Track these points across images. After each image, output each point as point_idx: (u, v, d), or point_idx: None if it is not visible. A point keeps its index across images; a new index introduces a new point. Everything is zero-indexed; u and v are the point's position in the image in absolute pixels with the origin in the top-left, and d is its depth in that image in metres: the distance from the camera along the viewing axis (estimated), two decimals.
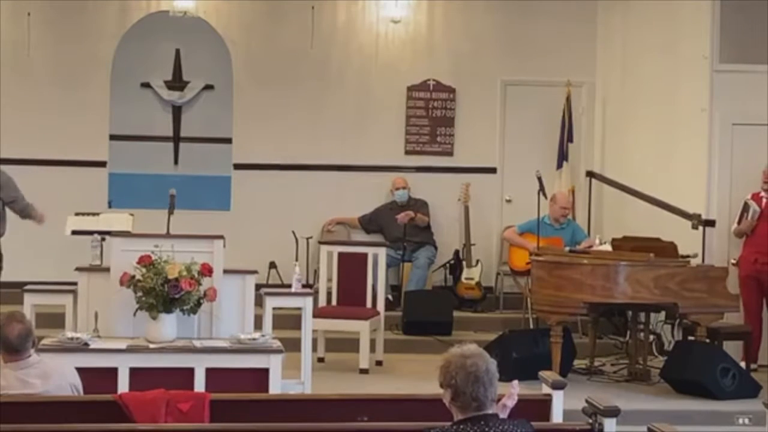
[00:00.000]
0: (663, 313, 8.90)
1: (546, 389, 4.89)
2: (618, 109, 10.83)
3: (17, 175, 8.72)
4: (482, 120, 11.16)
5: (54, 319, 7.30)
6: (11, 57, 10.58)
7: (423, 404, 4.67)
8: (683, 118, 9.46)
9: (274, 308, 7.31)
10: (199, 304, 6.66)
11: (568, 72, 10.89)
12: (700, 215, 9.03)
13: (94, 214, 8.04)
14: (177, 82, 11.04)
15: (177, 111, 11.10)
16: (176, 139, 11.10)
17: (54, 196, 10.18)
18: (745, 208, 8.78)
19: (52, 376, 4.89)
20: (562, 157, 10.81)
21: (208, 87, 11.09)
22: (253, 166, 10.98)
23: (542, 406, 4.81)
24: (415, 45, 11.13)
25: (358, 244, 9.69)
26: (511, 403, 4.12)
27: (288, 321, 7.94)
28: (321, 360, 8.92)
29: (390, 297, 10.07)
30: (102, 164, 10.84)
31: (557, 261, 8.27)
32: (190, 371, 6.33)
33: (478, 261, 10.73)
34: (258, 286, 7.40)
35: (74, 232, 7.88)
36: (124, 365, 6.31)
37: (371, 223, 10.98)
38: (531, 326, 9.46)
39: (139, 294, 6.57)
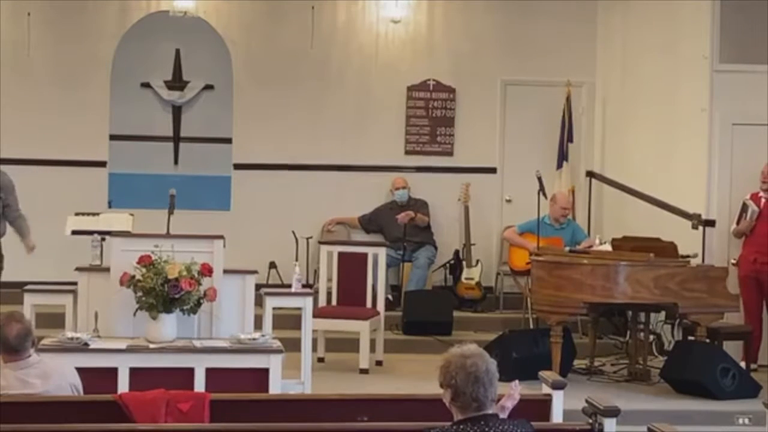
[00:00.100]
0: (663, 313, 8.90)
1: (546, 389, 4.90)
2: (618, 109, 10.83)
3: (17, 175, 8.72)
4: (482, 120, 11.16)
5: (54, 319, 7.30)
6: (11, 57, 10.58)
7: (423, 404, 4.67)
8: (683, 118, 9.46)
9: (274, 308, 7.31)
10: (199, 304, 6.66)
11: (568, 72, 10.89)
12: (700, 215, 9.03)
13: (94, 214, 8.04)
14: (177, 82, 11.05)
15: (177, 111, 11.10)
16: (176, 139, 11.11)
17: (54, 196, 10.23)
18: (744, 208, 8.78)
19: (52, 376, 4.89)
20: (562, 157, 10.81)
21: (208, 87, 11.10)
22: (253, 166, 10.98)
23: (542, 406, 4.81)
24: (415, 45, 11.14)
25: (358, 244, 9.69)
26: (509, 404, 4.11)
27: (288, 321, 7.94)
28: (321, 360, 8.92)
29: (390, 297, 10.07)
30: (102, 164, 10.84)
31: (557, 261, 8.27)
32: (190, 371, 6.33)
33: (478, 261, 10.73)
34: (258, 286, 7.40)
35: (74, 232, 7.88)
36: (124, 365, 6.31)
37: (371, 223, 10.98)
38: (531, 326, 9.46)
39: (139, 294, 6.57)
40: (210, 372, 6.34)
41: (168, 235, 7.04)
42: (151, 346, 6.52)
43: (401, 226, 10.59)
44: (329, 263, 9.14)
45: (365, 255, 9.11)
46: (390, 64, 11.10)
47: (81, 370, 5.17)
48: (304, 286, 8.01)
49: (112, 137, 10.88)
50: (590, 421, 4.40)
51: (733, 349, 8.48)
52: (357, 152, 11.06)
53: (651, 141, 10.07)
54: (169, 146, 11.09)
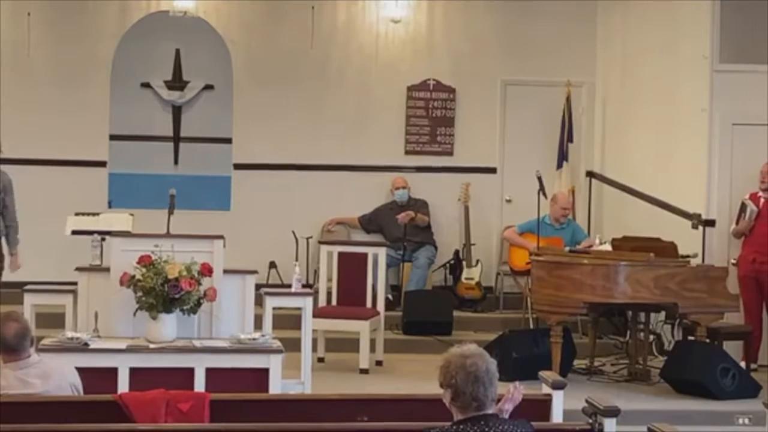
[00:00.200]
0: (663, 313, 8.90)
1: (546, 389, 4.90)
2: (618, 109, 10.83)
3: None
4: (482, 120, 11.16)
5: (54, 319, 7.30)
6: (11, 57, 10.58)
7: (423, 404, 4.67)
8: (683, 118, 9.46)
9: (274, 308, 7.32)
10: (199, 304, 6.66)
11: (568, 72, 10.89)
12: (700, 215, 9.03)
13: (94, 214, 8.04)
14: (177, 82, 11.05)
15: (177, 111, 11.11)
16: (176, 139, 11.11)
17: (54, 196, 10.24)
18: (743, 208, 8.78)
19: (52, 376, 4.89)
20: (562, 157, 10.81)
21: (208, 87, 11.10)
22: (253, 166, 10.98)
23: (542, 406, 4.81)
24: (415, 45, 11.14)
25: (358, 244, 9.69)
26: (509, 406, 4.10)
27: (288, 321, 7.94)
28: (321, 360, 8.92)
29: (390, 297, 10.07)
30: (102, 164, 10.84)
31: (557, 261, 8.27)
32: (190, 371, 6.33)
33: (478, 261, 10.73)
34: (258, 286, 7.40)
35: (74, 232, 7.87)
36: (124, 365, 6.31)
37: (371, 223, 10.98)
38: (531, 326, 9.46)
39: (139, 294, 6.57)
40: (210, 372, 6.34)
41: (168, 235, 7.03)
42: (151, 346, 6.52)
43: (401, 226, 10.59)
44: (329, 263, 9.14)
45: (365, 255, 9.11)
46: (390, 64, 11.10)
47: (81, 370, 5.17)
48: (304, 286, 8.01)
49: (112, 137, 10.88)
50: (590, 421, 4.40)
51: (733, 349, 8.48)
52: (357, 152, 11.06)
53: (651, 141, 10.07)
54: (169, 146, 11.09)
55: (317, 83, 11.02)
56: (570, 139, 10.81)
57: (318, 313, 8.40)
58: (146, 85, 11.03)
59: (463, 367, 3.74)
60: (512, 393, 4.13)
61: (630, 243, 8.68)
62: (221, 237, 7.06)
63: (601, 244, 9.08)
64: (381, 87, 11.10)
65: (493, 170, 11.20)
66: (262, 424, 4.42)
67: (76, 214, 8.03)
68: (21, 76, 10.62)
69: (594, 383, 8.27)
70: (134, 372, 6.28)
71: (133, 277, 6.61)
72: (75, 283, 7.11)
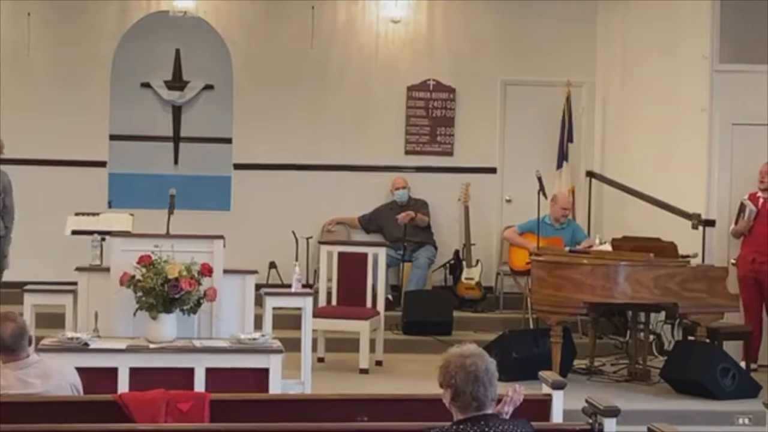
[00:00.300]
0: (663, 313, 8.90)
1: (546, 389, 4.89)
2: (618, 109, 10.83)
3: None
4: (482, 120, 11.16)
5: (54, 319, 7.30)
6: (11, 57, 10.58)
7: (423, 404, 4.67)
8: (683, 118, 9.46)
9: (274, 308, 7.31)
10: (199, 304, 6.66)
11: (568, 72, 10.89)
12: (700, 215, 9.03)
13: (94, 214, 8.03)
14: (177, 82, 11.05)
15: (177, 111, 11.10)
16: (176, 139, 11.11)
17: (54, 196, 10.24)
18: (742, 208, 8.78)
19: (52, 376, 4.89)
20: (562, 157, 10.81)
21: (208, 87, 11.10)
22: (253, 166, 10.98)
23: (542, 406, 4.81)
24: (415, 45, 11.13)
25: (358, 244, 9.69)
26: (509, 408, 4.09)
27: (288, 321, 7.94)
28: (321, 360, 8.92)
29: (390, 297, 10.07)
30: (102, 164, 10.84)
31: (557, 261, 8.27)
32: (190, 371, 6.32)
33: (478, 261, 10.73)
34: (258, 286, 7.40)
35: (74, 232, 7.87)
36: (124, 365, 6.30)
37: (371, 223, 10.98)
38: (531, 326, 9.46)
39: (139, 294, 6.57)
40: (210, 372, 6.34)
41: (168, 235, 7.04)
42: (151, 346, 6.52)
43: (401, 226, 10.59)
44: (329, 263, 9.14)
45: (365, 255, 9.11)
46: (390, 64, 11.10)
47: (81, 370, 5.17)
48: (304, 286, 8.01)
49: (112, 137, 10.88)
50: (590, 421, 4.40)
51: (733, 349, 8.48)
52: (357, 152, 11.06)
53: (651, 141, 10.07)
54: (169, 146, 11.09)
55: (317, 83, 11.02)
56: (570, 139, 10.81)
57: (318, 313, 8.40)
58: (146, 85, 11.03)
59: (463, 367, 3.74)
60: (512, 396, 4.13)
61: (630, 243, 8.68)
62: (221, 237, 7.06)
63: (601, 244, 9.08)
64: (381, 87, 11.10)
65: (493, 170, 11.20)
66: (262, 424, 4.42)
67: (76, 214, 8.03)
68: (21, 76, 10.62)
69: (594, 383, 8.26)
70: (134, 372, 6.28)
71: (133, 277, 6.60)
72: (75, 283, 7.11)
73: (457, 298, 10.51)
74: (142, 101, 11.03)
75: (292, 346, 7.25)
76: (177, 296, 6.52)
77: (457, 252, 10.84)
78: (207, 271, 6.73)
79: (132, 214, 7.93)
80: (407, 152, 11.16)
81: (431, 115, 11.16)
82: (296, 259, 10.16)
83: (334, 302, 9.08)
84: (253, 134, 10.98)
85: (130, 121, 10.97)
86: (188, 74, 11.06)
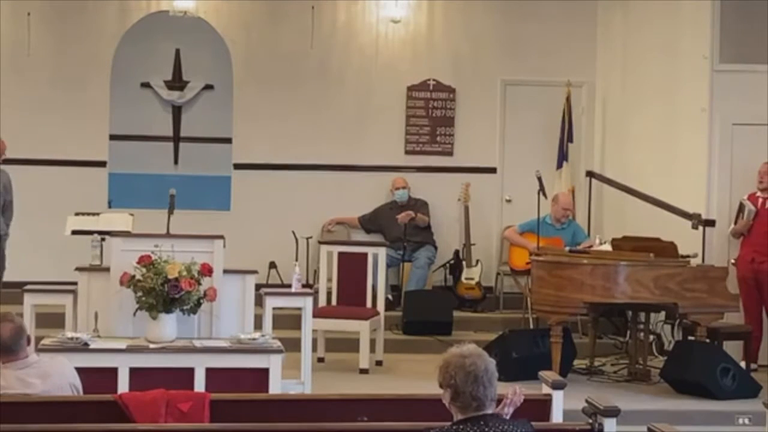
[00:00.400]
0: (663, 313, 8.90)
1: (546, 389, 4.89)
2: (618, 109, 10.83)
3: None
4: (482, 120, 11.16)
5: (54, 319, 7.29)
6: (11, 57, 10.57)
7: (423, 404, 4.67)
8: (683, 118, 9.46)
9: (274, 308, 7.31)
10: (199, 304, 6.66)
11: (568, 72, 10.89)
12: (700, 215, 9.03)
13: (94, 214, 8.04)
14: (177, 82, 11.05)
15: (177, 111, 11.10)
16: (176, 139, 11.11)
17: (54, 196, 10.24)
18: (741, 208, 8.79)
19: (51, 375, 4.89)
20: (562, 157, 10.81)
21: (208, 87, 11.10)
22: (253, 166, 10.98)
23: (542, 406, 4.81)
24: (415, 45, 11.13)
25: (358, 244, 9.69)
26: (509, 410, 4.09)
27: (288, 321, 7.94)
28: (321, 360, 8.92)
29: (390, 297, 10.07)
30: (102, 164, 10.84)
31: (557, 261, 8.27)
32: (190, 371, 6.32)
33: (478, 261, 10.73)
34: (258, 286, 7.40)
35: (74, 232, 7.88)
36: (124, 365, 6.30)
37: (371, 223, 10.98)
38: (531, 326, 9.45)
39: (139, 294, 6.57)
40: (210, 372, 6.34)
41: (168, 235, 7.04)
42: (151, 346, 6.52)
43: (401, 226, 10.59)
44: (329, 263, 9.14)
45: (365, 255, 9.11)
46: (390, 64, 11.10)
47: (81, 370, 5.16)
48: (304, 286, 8.02)
49: (112, 137, 10.88)
50: (590, 421, 4.40)
51: (733, 349, 8.48)
52: (357, 152, 11.06)
53: (651, 141, 10.07)
54: (169, 146, 11.09)
55: (317, 83, 11.02)
56: (570, 139, 10.81)
57: (318, 313, 8.40)
58: (146, 85, 11.03)
59: (462, 367, 3.74)
60: (512, 398, 4.12)
61: (630, 243, 8.68)
62: (221, 237, 7.07)
63: (601, 244, 9.08)
64: (381, 87, 11.10)
65: (493, 170, 11.19)
66: (262, 424, 4.42)
67: (76, 214, 8.04)
68: (21, 76, 10.61)
69: (594, 383, 8.26)
70: (134, 372, 6.28)
71: (133, 277, 6.60)
72: (75, 283, 7.11)
73: (457, 298, 10.51)
74: (142, 101, 11.03)
75: (292, 346, 7.25)
76: (177, 296, 6.52)
77: (457, 252, 10.84)
78: (207, 271, 6.73)
79: (132, 214, 7.94)
80: (407, 152, 11.16)
81: (431, 115, 11.16)
82: (296, 259, 10.16)
83: (334, 302, 9.08)
84: (253, 134, 10.98)
85: (130, 121, 10.97)
86: (188, 74, 11.06)
